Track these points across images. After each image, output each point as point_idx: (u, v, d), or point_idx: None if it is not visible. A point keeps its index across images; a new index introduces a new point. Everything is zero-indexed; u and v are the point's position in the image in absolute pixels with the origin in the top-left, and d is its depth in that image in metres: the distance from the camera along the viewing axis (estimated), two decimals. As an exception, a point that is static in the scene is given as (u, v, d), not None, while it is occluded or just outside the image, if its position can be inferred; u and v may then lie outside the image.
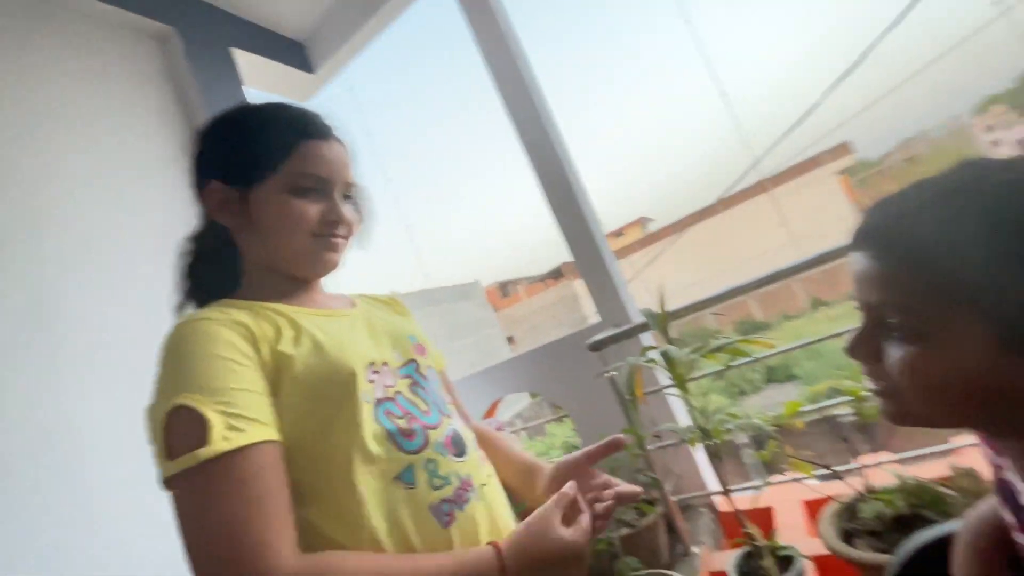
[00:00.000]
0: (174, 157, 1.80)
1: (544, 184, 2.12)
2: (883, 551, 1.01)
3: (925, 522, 1.02)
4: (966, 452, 1.50)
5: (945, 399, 0.38)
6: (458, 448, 0.61)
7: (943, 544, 0.60)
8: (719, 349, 1.19)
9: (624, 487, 0.62)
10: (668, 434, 1.77)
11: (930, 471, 1.47)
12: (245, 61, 2.19)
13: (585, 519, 0.54)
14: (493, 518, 0.60)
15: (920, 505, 1.07)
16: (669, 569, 1.36)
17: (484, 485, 0.61)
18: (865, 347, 0.42)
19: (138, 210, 1.63)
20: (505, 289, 27.15)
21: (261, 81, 2.44)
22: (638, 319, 1.88)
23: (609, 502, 0.59)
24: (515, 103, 2.11)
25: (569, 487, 0.54)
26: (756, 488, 1.30)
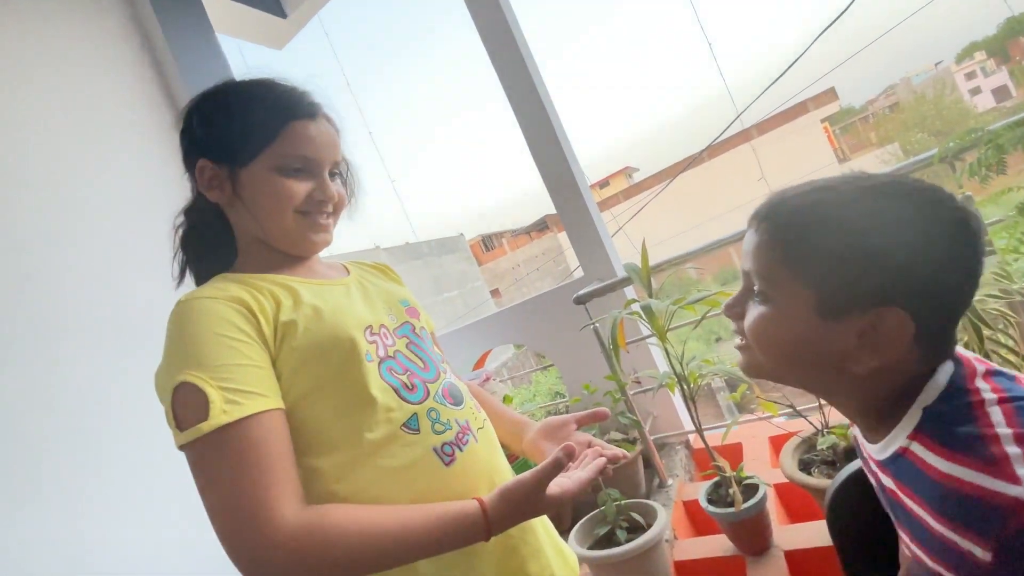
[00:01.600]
0: (144, 106, 1.75)
1: (528, 135, 2.11)
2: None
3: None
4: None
5: (781, 356, 0.47)
6: (455, 398, 0.66)
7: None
8: (697, 301, 1.27)
9: (609, 450, 0.64)
10: (648, 379, 1.89)
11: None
12: (216, 6, 2.08)
13: (568, 481, 0.56)
14: (490, 455, 0.67)
15: (869, 437, 1.20)
16: (647, 499, 1.50)
17: (481, 428, 0.67)
18: (735, 308, 0.50)
19: (111, 166, 1.60)
20: (489, 242, 27.05)
21: (233, 27, 2.32)
22: (621, 273, 1.95)
23: (600, 460, 0.61)
24: (499, 50, 2.06)
25: (562, 453, 0.52)
26: (727, 427, 1.42)
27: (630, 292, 1.97)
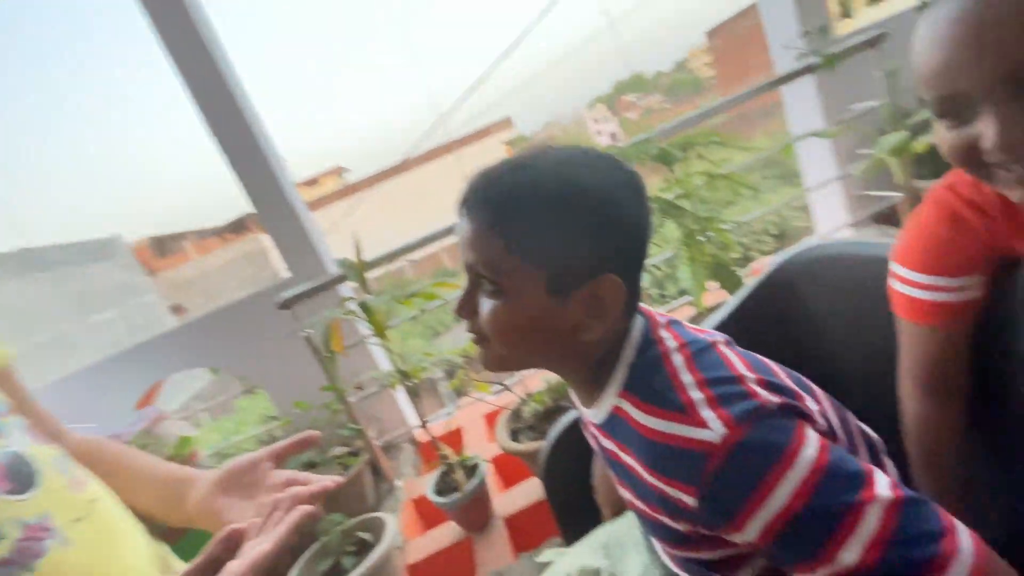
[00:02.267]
0: None
1: (217, 128, 1.73)
2: (539, 439, 1.30)
3: (564, 410, 1.37)
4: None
5: (520, 342, 0.46)
6: (18, 480, 0.42)
7: (574, 425, 0.80)
8: (414, 295, 1.24)
9: (316, 484, 0.46)
10: (371, 382, 1.80)
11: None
12: None
13: (254, 552, 0.37)
14: (96, 562, 0.43)
15: (560, 397, 1.42)
16: (376, 509, 1.41)
17: (80, 520, 0.45)
18: (467, 305, 0.47)
19: None
20: (164, 246, 21.72)
21: None
22: (335, 272, 1.79)
23: (297, 512, 0.41)
24: (173, 31, 1.64)
25: (219, 548, 0.36)
26: (448, 414, 1.46)
27: (346, 292, 1.83)
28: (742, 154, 2.05)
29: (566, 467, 0.78)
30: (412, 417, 2.03)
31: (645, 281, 1.46)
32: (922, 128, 1.64)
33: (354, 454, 1.66)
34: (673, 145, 1.36)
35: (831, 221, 2.24)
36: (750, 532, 0.37)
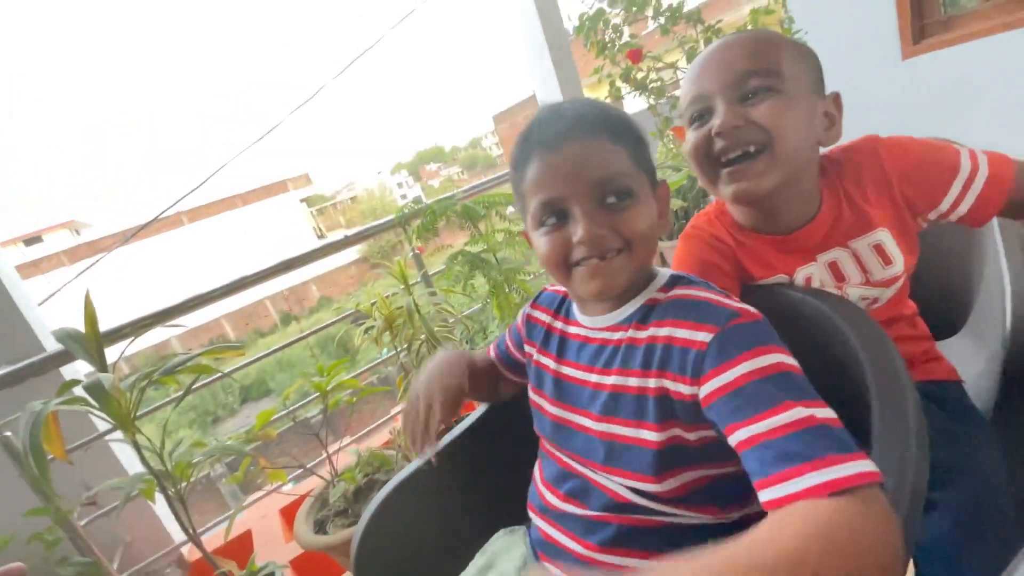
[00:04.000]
0: None
1: None
2: (353, 523, 1.12)
3: (381, 484, 1.22)
4: (398, 417, 1.94)
5: (651, 240, 0.53)
6: None
7: (395, 494, 0.70)
8: (176, 368, 0.99)
9: None
10: (111, 493, 1.35)
11: (379, 439, 1.80)
12: None
13: None
14: None
15: (374, 471, 1.27)
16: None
17: None
18: (601, 220, 0.50)
19: None
20: None
21: None
22: (56, 348, 1.33)
23: None
24: None
25: None
26: (230, 517, 1.17)
27: (72, 373, 1.38)
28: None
29: (386, 551, 0.67)
30: (177, 532, 1.58)
31: (456, 334, 1.46)
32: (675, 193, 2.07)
33: (81, 601, 1.19)
34: (476, 203, 1.43)
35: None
36: (717, 382, 0.43)
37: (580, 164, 0.48)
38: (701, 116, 0.59)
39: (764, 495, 0.38)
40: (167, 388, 1.20)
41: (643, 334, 0.50)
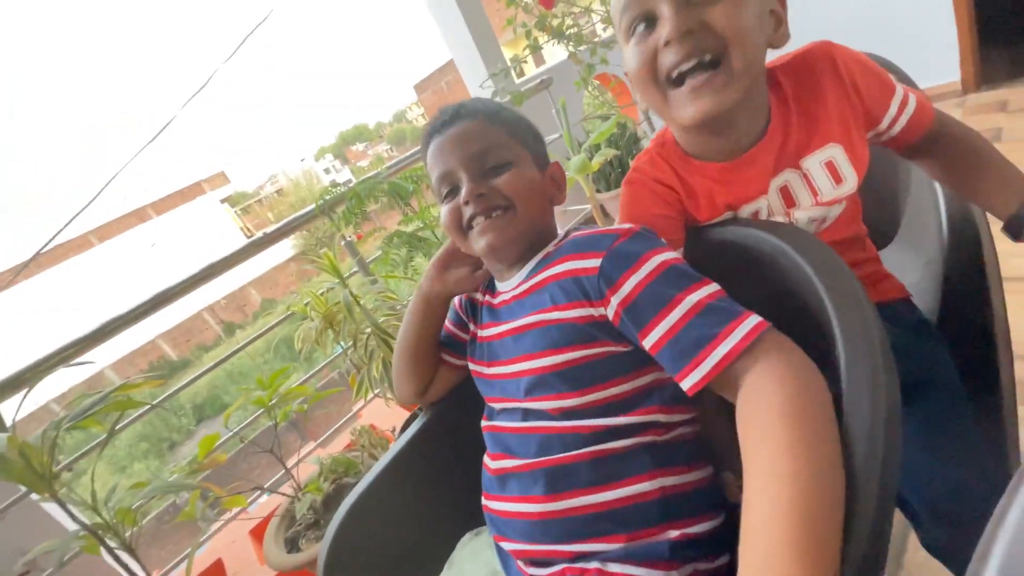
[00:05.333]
0: None
1: None
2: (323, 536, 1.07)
3: (351, 487, 1.16)
4: (361, 413, 1.87)
5: (534, 200, 0.59)
6: None
7: (366, 499, 0.65)
8: (90, 412, 0.87)
9: None
10: (47, 558, 1.22)
11: (342, 442, 1.73)
12: None
13: None
14: None
15: (340, 477, 1.21)
16: None
17: None
18: (481, 183, 0.57)
19: None
20: None
21: None
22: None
23: None
24: None
25: None
26: (188, 556, 1.08)
27: None
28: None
29: (355, 565, 0.62)
30: None
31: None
32: (593, 152, 2.04)
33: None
34: (404, 179, 1.34)
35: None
36: (615, 300, 0.48)
37: (462, 139, 0.58)
38: (646, 22, 0.50)
39: (685, 384, 0.44)
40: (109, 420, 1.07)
41: (542, 276, 0.56)
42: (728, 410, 0.59)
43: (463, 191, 0.57)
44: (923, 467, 0.49)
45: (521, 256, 0.60)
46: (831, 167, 0.56)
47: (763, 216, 0.59)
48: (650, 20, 0.50)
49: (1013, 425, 0.55)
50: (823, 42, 0.56)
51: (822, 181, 0.57)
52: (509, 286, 0.61)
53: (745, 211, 0.59)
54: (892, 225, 0.84)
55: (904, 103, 0.57)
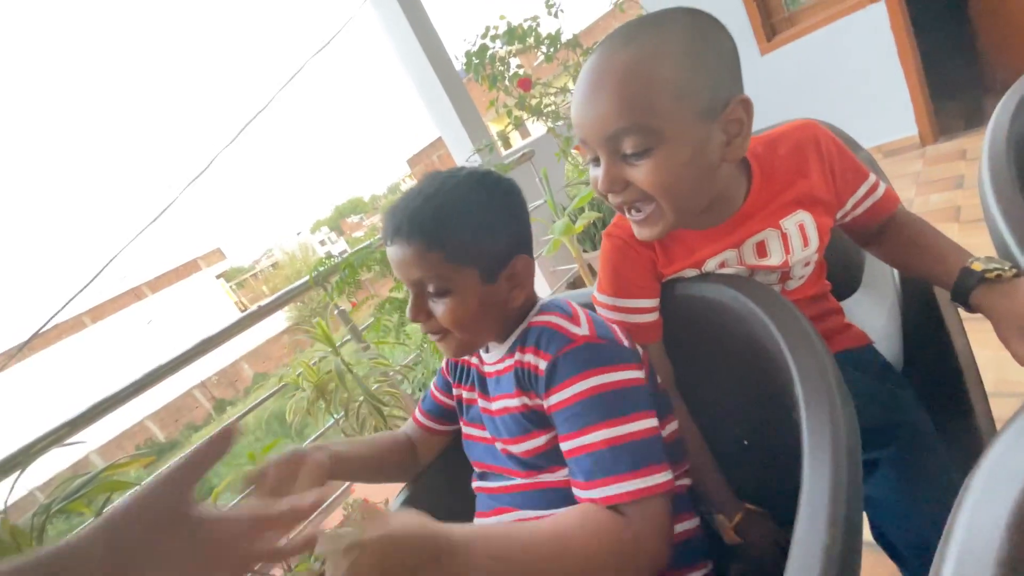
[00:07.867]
0: None
1: None
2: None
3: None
4: (354, 488, 1.81)
5: (469, 325, 0.57)
6: None
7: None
8: (79, 493, 0.86)
9: None
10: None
11: (335, 519, 1.66)
12: None
13: None
14: None
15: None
16: None
17: None
18: (420, 311, 0.58)
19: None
20: None
21: None
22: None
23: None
24: None
25: None
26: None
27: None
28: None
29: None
30: None
31: (407, 386, 1.40)
32: (576, 215, 2.14)
33: None
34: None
35: (538, 291, 2.72)
36: (551, 400, 0.52)
37: (401, 265, 0.57)
38: (595, 160, 0.56)
39: (577, 494, 0.50)
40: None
41: (511, 361, 0.59)
42: (720, 462, 0.61)
43: (407, 313, 0.60)
44: (899, 507, 0.50)
45: (487, 344, 0.63)
46: (802, 229, 0.60)
47: (730, 265, 0.62)
48: (595, 155, 0.55)
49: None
50: (809, 122, 0.62)
51: (795, 241, 0.60)
52: (490, 358, 0.64)
53: (710, 264, 0.62)
54: (856, 276, 0.89)
55: (873, 189, 0.62)
